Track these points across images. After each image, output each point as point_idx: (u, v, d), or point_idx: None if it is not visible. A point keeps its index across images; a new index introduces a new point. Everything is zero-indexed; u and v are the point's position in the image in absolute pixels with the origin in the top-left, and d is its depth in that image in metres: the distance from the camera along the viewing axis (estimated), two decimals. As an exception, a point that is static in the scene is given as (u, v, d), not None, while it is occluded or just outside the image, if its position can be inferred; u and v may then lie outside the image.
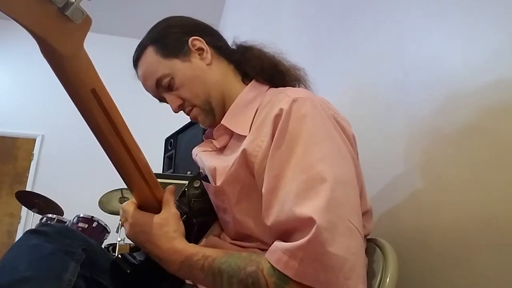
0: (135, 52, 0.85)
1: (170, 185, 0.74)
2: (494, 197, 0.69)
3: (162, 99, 0.85)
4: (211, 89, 0.81)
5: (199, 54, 0.82)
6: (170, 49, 0.80)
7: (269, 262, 0.56)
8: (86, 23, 0.48)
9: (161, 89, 0.82)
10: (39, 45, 0.47)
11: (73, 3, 0.45)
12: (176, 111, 0.83)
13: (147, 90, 0.86)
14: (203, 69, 0.81)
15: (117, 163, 0.62)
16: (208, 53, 0.83)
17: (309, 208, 0.54)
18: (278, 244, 0.56)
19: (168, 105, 0.84)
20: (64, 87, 0.53)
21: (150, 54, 0.81)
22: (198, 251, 0.64)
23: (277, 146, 0.62)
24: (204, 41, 0.83)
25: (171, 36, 0.82)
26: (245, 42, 0.89)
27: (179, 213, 0.71)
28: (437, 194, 0.84)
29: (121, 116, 0.59)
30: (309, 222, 0.53)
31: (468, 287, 0.73)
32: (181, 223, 0.70)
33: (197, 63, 0.81)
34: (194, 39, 0.82)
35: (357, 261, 0.54)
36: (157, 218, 0.68)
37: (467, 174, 0.76)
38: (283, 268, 0.54)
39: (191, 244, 0.67)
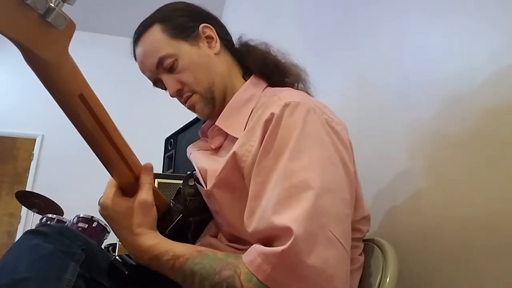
0: (137, 29, 0.81)
1: (147, 163, 0.69)
2: (495, 198, 0.69)
3: (158, 82, 0.82)
4: (215, 78, 0.79)
5: (207, 42, 0.81)
6: (179, 30, 0.78)
7: (246, 266, 0.54)
8: (69, 28, 0.47)
9: (160, 69, 0.79)
10: (22, 53, 0.45)
11: (54, 8, 0.43)
12: (173, 96, 0.80)
13: (143, 70, 0.81)
14: (210, 57, 0.80)
15: (106, 162, 0.62)
16: (217, 42, 0.82)
17: (288, 217, 0.53)
18: (256, 246, 0.55)
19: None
20: (51, 94, 0.51)
21: (157, 31, 0.78)
22: (168, 249, 0.62)
23: (265, 152, 0.61)
24: (214, 30, 0.82)
25: (181, 18, 0.80)
26: (250, 40, 0.88)
27: (150, 198, 0.66)
28: (438, 195, 0.84)
29: (109, 118, 0.59)
30: (286, 231, 0.52)
31: (468, 287, 0.73)
32: (151, 212, 0.66)
33: (205, 50, 0.80)
34: (204, 26, 0.81)
35: (336, 274, 0.52)
36: (121, 206, 0.65)
37: (468, 175, 0.76)
38: (255, 270, 0.52)
39: (158, 240, 0.64)
